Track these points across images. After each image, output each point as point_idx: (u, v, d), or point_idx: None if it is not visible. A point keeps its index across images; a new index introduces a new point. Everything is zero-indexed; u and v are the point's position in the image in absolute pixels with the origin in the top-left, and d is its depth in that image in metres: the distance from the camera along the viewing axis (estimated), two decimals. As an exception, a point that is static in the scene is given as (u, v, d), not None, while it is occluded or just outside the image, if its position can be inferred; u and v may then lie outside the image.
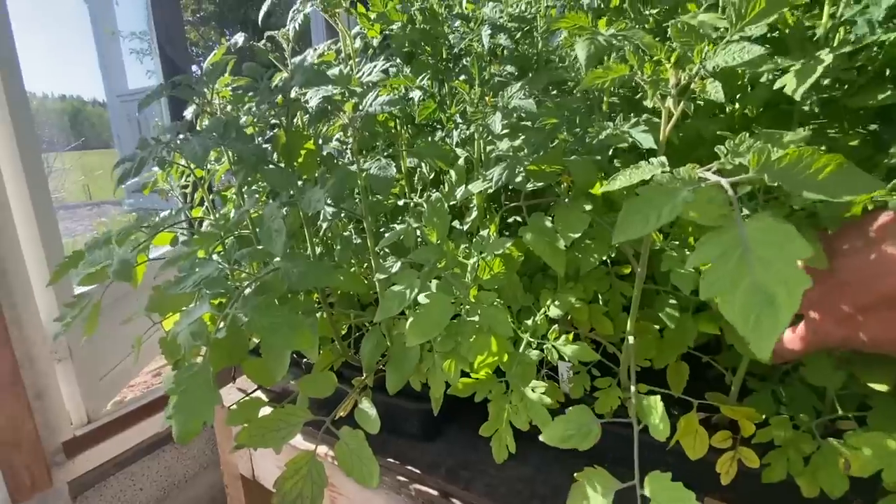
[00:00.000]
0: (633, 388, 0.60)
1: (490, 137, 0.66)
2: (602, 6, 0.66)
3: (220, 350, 0.72)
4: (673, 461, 0.62)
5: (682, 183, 0.35)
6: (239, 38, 0.83)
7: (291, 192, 0.59)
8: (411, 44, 0.78)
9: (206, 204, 1.04)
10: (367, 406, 0.70)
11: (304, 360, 0.96)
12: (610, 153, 0.61)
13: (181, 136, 0.63)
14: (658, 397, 0.55)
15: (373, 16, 0.88)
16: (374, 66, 0.77)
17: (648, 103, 0.45)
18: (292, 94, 0.69)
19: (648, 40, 0.45)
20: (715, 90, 0.45)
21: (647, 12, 0.62)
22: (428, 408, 0.77)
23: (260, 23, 0.87)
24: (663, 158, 0.40)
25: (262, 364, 0.77)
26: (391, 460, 0.88)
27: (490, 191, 0.59)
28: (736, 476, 0.60)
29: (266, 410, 0.71)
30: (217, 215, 0.96)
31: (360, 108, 0.60)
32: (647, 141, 0.50)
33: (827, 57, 0.43)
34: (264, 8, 0.81)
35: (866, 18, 0.46)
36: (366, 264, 0.95)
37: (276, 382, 0.74)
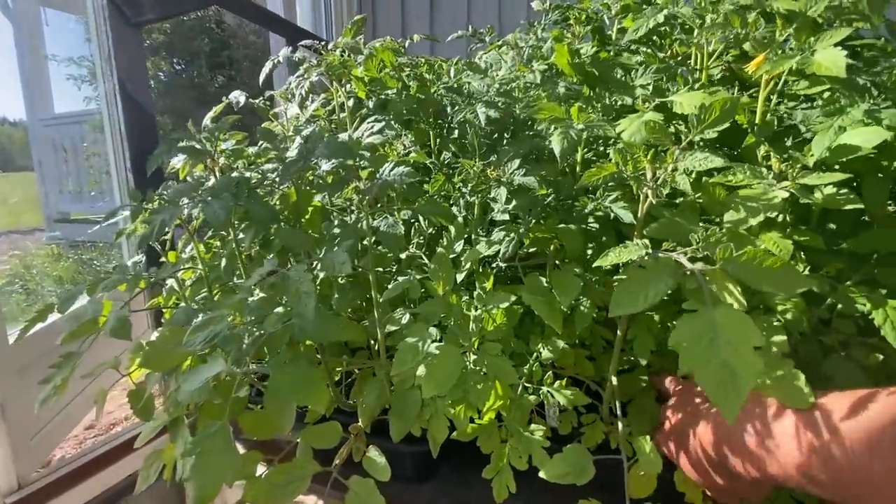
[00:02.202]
0: (619, 425, 0.68)
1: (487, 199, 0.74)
2: (576, 89, 0.78)
3: (219, 408, 0.72)
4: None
5: (663, 268, 0.44)
6: (240, 96, 0.87)
7: (310, 254, 0.63)
8: (409, 111, 0.86)
9: (189, 251, 1.04)
10: (375, 454, 0.73)
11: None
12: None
13: (197, 197, 0.66)
14: (647, 436, 0.63)
15: (367, 79, 0.96)
16: (372, 128, 0.84)
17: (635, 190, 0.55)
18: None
19: (630, 143, 0.55)
20: (683, 181, 0.55)
21: (615, 102, 0.74)
22: (421, 450, 0.81)
23: (261, 84, 0.91)
24: (647, 241, 0.50)
25: (261, 417, 0.78)
26: (388, 505, 0.90)
27: (494, 252, 0.66)
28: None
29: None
30: (204, 265, 0.97)
31: (377, 176, 0.67)
32: (626, 216, 0.61)
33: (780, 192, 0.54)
34: (265, 71, 0.86)
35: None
36: (352, 311, 0.98)
37: (283, 435, 0.75)
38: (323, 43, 0.97)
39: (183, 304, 1.03)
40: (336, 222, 0.79)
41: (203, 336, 0.67)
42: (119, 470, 1.59)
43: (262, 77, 0.89)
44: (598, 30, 0.97)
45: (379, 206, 0.84)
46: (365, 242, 0.75)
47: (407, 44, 1.19)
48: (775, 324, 0.55)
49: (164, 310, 1.14)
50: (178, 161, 0.95)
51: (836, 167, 0.56)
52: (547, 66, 0.84)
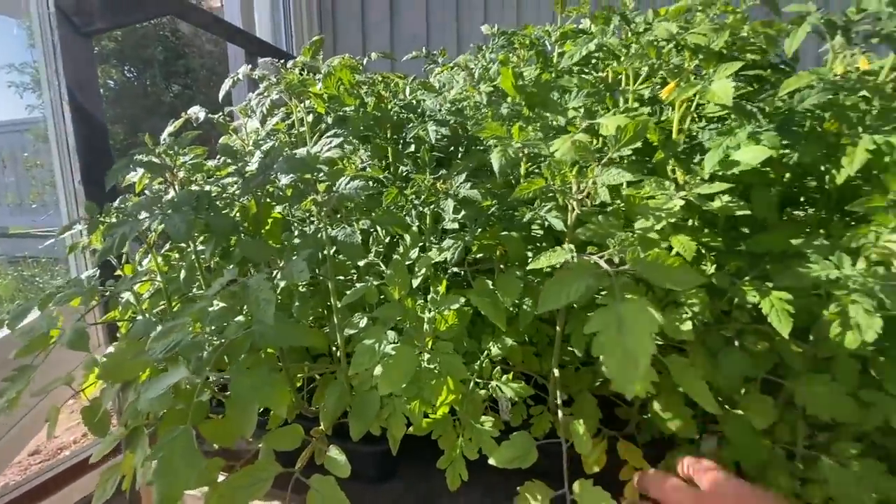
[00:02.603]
0: (560, 413, 0.76)
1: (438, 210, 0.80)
2: (518, 109, 0.86)
3: (181, 414, 0.74)
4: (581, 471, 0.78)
5: (584, 269, 0.52)
6: (200, 112, 0.89)
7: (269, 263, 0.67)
8: (366, 128, 0.91)
9: (147, 264, 1.05)
10: (335, 452, 0.77)
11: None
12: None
13: (157, 211, 0.69)
14: (581, 420, 0.71)
15: (325, 96, 1.00)
16: (331, 142, 0.89)
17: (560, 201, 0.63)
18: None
19: (551, 159, 0.63)
20: (604, 193, 0.63)
21: (552, 121, 0.82)
22: (381, 450, 0.85)
23: (220, 100, 0.94)
24: (572, 246, 0.57)
25: (223, 424, 0.80)
26: (350, 505, 0.93)
27: (445, 258, 0.73)
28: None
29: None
30: (162, 277, 0.98)
31: (334, 189, 0.71)
32: (557, 224, 0.68)
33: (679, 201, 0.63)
34: (224, 88, 0.89)
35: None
36: (312, 317, 1.02)
37: (244, 439, 0.78)
38: (282, 61, 1.01)
39: (140, 316, 1.03)
40: (296, 232, 0.83)
41: (164, 345, 0.70)
42: (68, 496, 1.53)
43: (221, 94, 0.92)
44: (541, 53, 1.06)
45: (339, 216, 0.89)
46: (325, 252, 0.80)
47: (365, 61, 1.25)
48: (683, 316, 0.64)
49: (119, 323, 1.14)
50: (134, 175, 0.96)
51: (730, 180, 0.65)
52: (493, 88, 0.91)
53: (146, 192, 0.94)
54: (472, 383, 0.81)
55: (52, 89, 1.84)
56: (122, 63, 3.65)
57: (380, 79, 1.11)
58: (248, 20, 3.08)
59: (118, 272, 1.09)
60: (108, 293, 0.91)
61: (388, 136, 0.92)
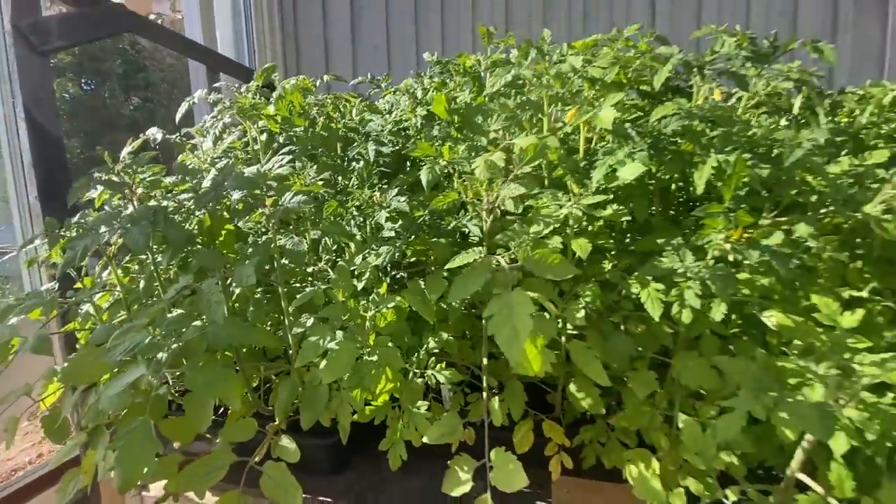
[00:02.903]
0: (484, 395, 0.87)
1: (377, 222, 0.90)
2: (447, 131, 0.97)
3: (137, 410, 0.81)
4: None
5: (485, 267, 0.63)
6: (157, 133, 0.97)
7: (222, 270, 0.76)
8: (315, 147, 1.01)
9: (107, 276, 1.10)
10: (286, 441, 0.85)
11: (215, 417, 1.05)
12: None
13: (117, 225, 0.76)
14: (498, 398, 0.82)
15: (279, 118, 1.10)
16: (283, 160, 0.98)
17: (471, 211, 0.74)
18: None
19: (472, 175, 0.75)
20: (509, 203, 0.75)
21: (476, 142, 0.94)
22: (334, 442, 0.94)
23: (177, 122, 1.02)
24: (482, 248, 0.69)
25: (180, 422, 0.87)
26: (306, 496, 1.01)
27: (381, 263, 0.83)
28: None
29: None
30: (122, 287, 1.04)
31: (280, 203, 0.81)
32: (475, 230, 0.80)
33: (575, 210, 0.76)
34: (181, 111, 0.97)
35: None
36: (270, 322, 1.10)
37: (199, 432, 0.85)
38: (238, 85, 1.09)
39: (98, 324, 1.08)
40: (249, 242, 0.91)
41: (124, 346, 0.77)
42: (25, 513, 1.52)
43: (178, 116, 1.00)
44: (476, 78, 1.19)
45: (290, 227, 0.98)
46: (275, 259, 0.88)
47: (318, 83, 1.35)
48: (580, 305, 0.76)
49: (78, 334, 1.18)
50: (94, 192, 1.02)
51: (614, 191, 0.78)
52: (427, 112, 1.03)
53: (106, 207, 1.01)
54: (410, 373, 0.91)
55: (5, 105, 1.85)
56: (80, 76, 3.60)
57: (330, 100, 1.21)
58: (210, 35, 3.12)
59: (77, 285, 1.13)
60: (67, 304, 0.96)
61: (335, 154, 1.02)
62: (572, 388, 0.91)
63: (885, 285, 0.66)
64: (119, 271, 1.10)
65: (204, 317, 0.83)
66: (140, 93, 3.82)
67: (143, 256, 1.06)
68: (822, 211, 0.72)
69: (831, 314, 0.61)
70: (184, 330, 0.80)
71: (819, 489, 0.58)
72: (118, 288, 1.05)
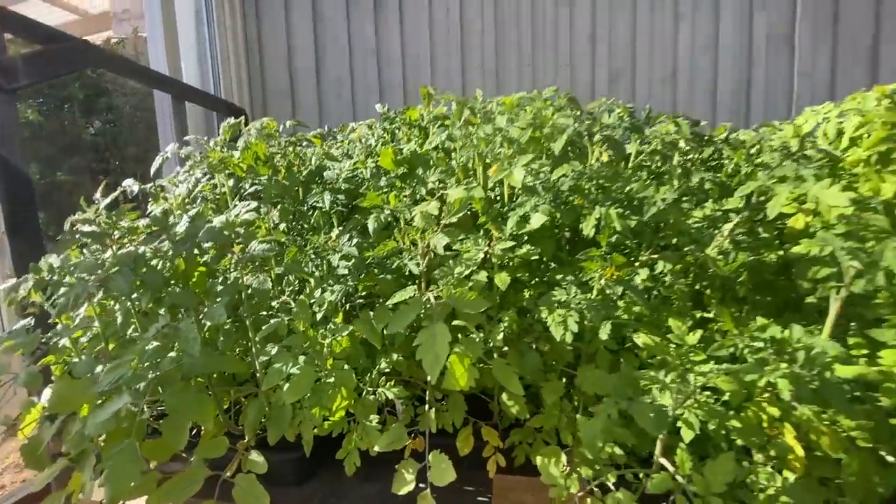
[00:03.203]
0: (427, 408, 1.02)
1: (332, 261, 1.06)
2: (393, 181, 1.14)
3: (122, 434, 0.92)
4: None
5: (416, 303, 0.79)
6: (133, 185, 1.09)
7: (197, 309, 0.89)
8: (276, 195, 1.15)
9: (86, 310, 1.20)
10: (255, 455, 0.98)
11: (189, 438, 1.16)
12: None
13: (101, 272, 0.88)
14: (433, 410, 0.98)
15: (244, 166, 1.24)
16: (248, 205, 1.12)
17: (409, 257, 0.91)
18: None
19: (411, 225, 0.91)
20: (439, 249, 0.92)
21: (419, 192, 1.11)
22: (299, 456, 1.07)
23: (152, 175, 1.14)
24: (414, 287, 0.85)
25: (159, 443, 0.99)
26: (274, 504, 1.14)
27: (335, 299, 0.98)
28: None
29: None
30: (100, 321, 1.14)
31: (247, 250, 0.95)
32: (415, 270, 0.96)
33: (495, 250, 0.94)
34: (155, 165, 1.10)
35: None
36: (239, 349, 1.22)
37: (176, 451, 0.97)
38: (206, 139, 1.23)
39: (78, 358, 1.18)
40: (220, 280, 1.05)
41: (111, 378, 0.89)
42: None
43: (153, 169, 1.12)
44: (424, 131, 1.36)
45: (257, 264, 1.11)
46: (242, 296, 1.02)
47: (281, 128, 1.50)
48: (500, 329, 0.93)
49: (53, 366, 1.26)
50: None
51: (524, 236, 0.97)
52: (375, 164, 1.20)
53: (83, 251, 1.11)
54: (364, 391, 1.05)
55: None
56: (39, 101, 3.58)
57: (292, 148, 1.35)
58: (175, 65, 3.20)
59: (55, 320, 1.23)
60: (48, 340, 1.06)
61: (296, 199, 1.17)
62: (504, 397, 1.08)
63: (725, 307, 0.86)
64: (96, 307, 1.21)
65: (177, 346, 0.95)
66: (102, 116, 3.82)
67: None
68: (686, 249, 0.93)
69: (680, 334, 0.80)
70: (160, 361, 0.92)
71: (671, 469, 0.77)
72: (96, 323, 1.15)
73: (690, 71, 2.91)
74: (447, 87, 3.37)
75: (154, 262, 0.96)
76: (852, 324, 0.79)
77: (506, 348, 1.06)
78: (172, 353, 0.97)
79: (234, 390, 1.19)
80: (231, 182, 1.26)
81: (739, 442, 0.76)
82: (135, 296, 1.07)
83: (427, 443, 0.96)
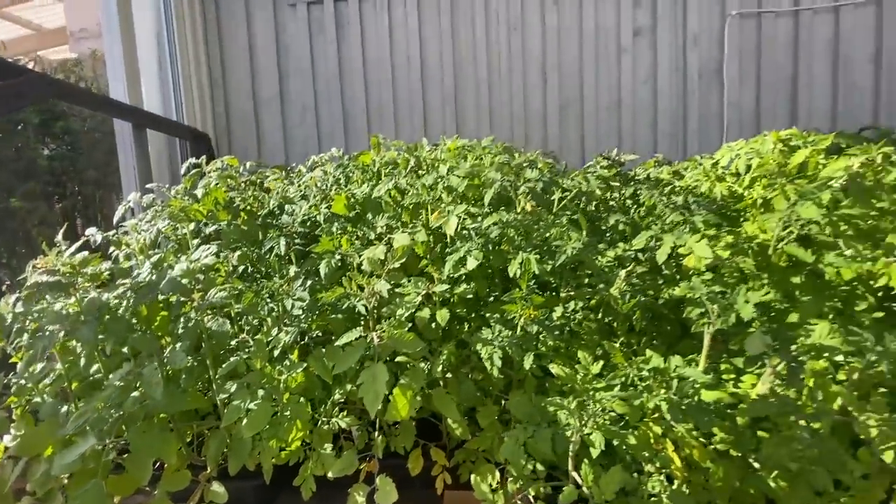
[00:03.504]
0: (377, 435, 1.13)
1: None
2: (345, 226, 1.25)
3: (88, 474, 0.99)
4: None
5: (360, 344, 0.91)
6: (97, 235, 1.16)
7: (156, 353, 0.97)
8: (235, 240, 1.24)
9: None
10: (216, 486, 1.06)
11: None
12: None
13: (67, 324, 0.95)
14: (382, 436, 1.08)
15: (205, 212, 1.32)
16: (208, 249, 1.21)
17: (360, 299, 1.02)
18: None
19: (359, 271, 1.02)
20: (384, 291, 1.03)
21: (368, 236, 1.23)
22: (259, 483, 1.16)
23: (115, 224, 1.22)
24: (360, 329, 0.96)
25: (123, 479, 1.05)
26: (235, 531, 1.21)
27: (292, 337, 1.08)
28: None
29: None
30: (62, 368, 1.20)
31: (206, 297, 1.04)
32: (363, 310, 1.07)
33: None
34: (118, 214, 1.18)
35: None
36: (200, 382, 1.30)
37: (140, 486, 1.03)
38: (168, 186, 1.31)
39: (39, 398, 1.22)
40: (181, 322, 1.13)
41: (77, 423, 0.95)
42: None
43: (115, 219, 1.19)
44: (377, 174, 1.48)
45: (217, 306, 1.20)
46: (203, 338, 1.10)
47: (242, 168, 1.59)
48: (440, 362, 1.05)
49: (14, 406, 1.30)
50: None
51: (466, 275, 1.09)
52: (328, 210, 1.30)
53: (46, 299, 1.17)
54: (320, 421, 1.15)
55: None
56: (-9, 126, 3.50)
57: (251, 191, 1.45)
58: (135, 91, 3.20)
59: (14, 359, 1.27)
60: (10, 382, 1.11)
61: (253, 244, 1.26)
62: (449, 421, 1.20)
63: (628, 339, 1.01)
64: (58, 347, 1.26)
65: (140, 388, 1.03)
66: (59, 141, 3.76)
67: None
68: (598, 287, 1.08)
69: (586, 364, 0.94)
70: (124, 402, 1.00)
71: (580, 481, 0.90)
72: (58, 364, 1.21)
73: (633, 101, 3.15)
74: (409, 113, 3.50)
75: (117, 308, 1.03)
76: (724, 355, 0.95)
77: (449, 375, 1.19)
78: (135, 393, 1.04)
79: (197, 424, 1.26)
80: (192, 225, 1.34)
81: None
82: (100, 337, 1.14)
83: (377, 466, 1.06)
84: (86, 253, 1.23)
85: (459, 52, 3.39)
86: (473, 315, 1.15)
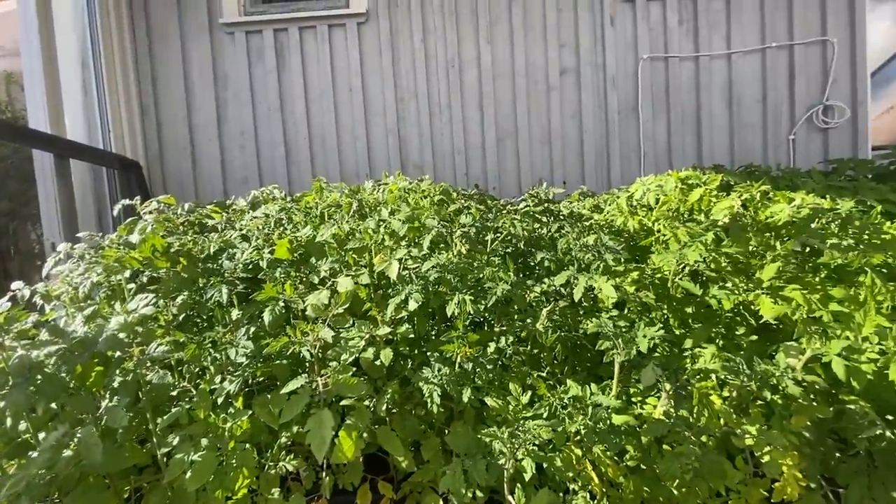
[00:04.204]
0: (324, 475, 1.16)
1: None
2: (289, 270, 1.29)
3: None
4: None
5: (306, 392, 0.95)
6: (24, 289, 1.12)
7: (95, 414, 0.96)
8: (175, 289, 1.24)
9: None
10: (158, 543, 1.04)
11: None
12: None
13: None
14: (329, 477, 1.12)
15: (141, 259, 1.31)
16: (146, 299, 1.20)
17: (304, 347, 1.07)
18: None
19: (303, 318, 1.07)
20: (327, 337, 1.09)
21: (312, 280, 1.27)
22: (204, 533, 1.15)
23: (44, 275, 1.18)
24: (304, 377, 1.01)
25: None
26: (177, 586, 1.18)
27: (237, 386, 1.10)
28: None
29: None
30: None
31: (147, 352, 1.04)
32: (308, 357, 1.12)
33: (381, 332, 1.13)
34: (48, 267, 1.15)
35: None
36: (138, 433, 1.26)
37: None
38: (101, 234, 1.28)
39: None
40: (118, 379, 1.11)
41: (5, 493, 0.91)
42: None
43: (45, 272, 1.16)
44: (321, 216, 1.53)
45: (158, 360, 1.19)
46: (141, 391, 1.09)
47: (180, 210, 1.57)
48: (384, 401, 1.12)
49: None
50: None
51: (406, 317, 1.17)
52: (271, 254, 1.34)
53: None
54: (267, 465, 1.16)
55: None
56: None
57: (190, 234, 1.45)
58: (57, 120, 3.01)
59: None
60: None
61: (194, 291, 1.27)
62: (395, 455, 1.25)
63: (553, 368, 1.13)
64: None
65: (74, 448, 1.00)
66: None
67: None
68: (526, 322, 1.20)
69: (517, 395, 1.04)
70: (57, 463, 0.97)
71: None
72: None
73: (562, 134, 3.42)
74: (353, 142, 3.56)
75: (49, 366, 1.01)
76: (634, 378, 1.10)
77: (395, 410, 1.25)
78: (69, 452, 1.01)
79: (135, 478, 1.23)
80: (128, 272, 1.32)
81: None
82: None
83: (328, 502, 1.10)
84: (9, 305, 1.18)
85: (401, 86, 3.52)
86: (416, 352, 1.23)
